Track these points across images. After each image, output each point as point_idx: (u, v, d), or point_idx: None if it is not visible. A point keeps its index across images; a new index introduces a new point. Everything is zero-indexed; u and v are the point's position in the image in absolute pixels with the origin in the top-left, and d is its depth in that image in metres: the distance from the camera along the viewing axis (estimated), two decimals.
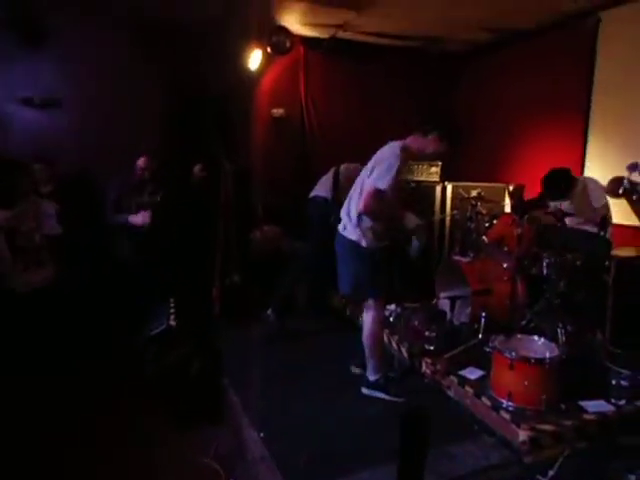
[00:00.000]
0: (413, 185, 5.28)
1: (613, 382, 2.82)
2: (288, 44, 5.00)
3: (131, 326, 3.30)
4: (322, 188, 4.29)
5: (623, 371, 2.99)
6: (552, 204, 3.94)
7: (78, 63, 4.42)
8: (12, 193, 3.28)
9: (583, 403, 2.76)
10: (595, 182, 3.87)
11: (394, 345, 3.80)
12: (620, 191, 3.71)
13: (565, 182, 3.79)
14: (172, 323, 3.05)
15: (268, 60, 5.16)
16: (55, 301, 3.23)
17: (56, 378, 3.18)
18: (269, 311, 4.04)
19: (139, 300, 3.38)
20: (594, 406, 2.74)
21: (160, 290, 3.41)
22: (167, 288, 3.43)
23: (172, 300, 3.21)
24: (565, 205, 3.79)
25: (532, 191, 4.35)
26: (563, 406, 2.72)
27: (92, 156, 4.22)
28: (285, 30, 4.97)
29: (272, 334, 3.96)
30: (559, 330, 3.36)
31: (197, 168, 3.69)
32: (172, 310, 3.13)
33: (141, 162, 4.15)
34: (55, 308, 3.22)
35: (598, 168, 4.40)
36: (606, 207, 3.76)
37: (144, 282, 3.49)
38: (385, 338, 3.93)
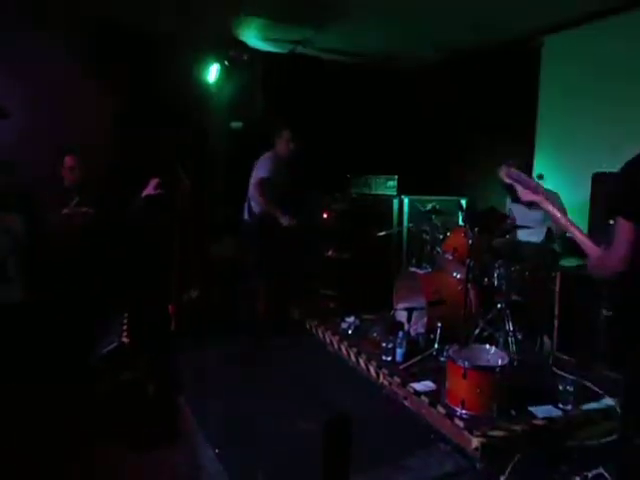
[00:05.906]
0: (371, 198, 5.39)
1: (560, 387, 2.93)
2: (246, 58, 5.03)
3: (81, 345, 3.17)
4: None
5: (569, 376, 3.12)
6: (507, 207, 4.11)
7: (27, 74, 4.27)
8: None
9: (533, 408, 2.86)
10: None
11: (352, 357, 3.82)
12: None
13: None
14: (124, 340, 2.97)
15: (226, 74, 5.17)
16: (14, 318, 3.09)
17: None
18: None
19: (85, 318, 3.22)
20: (543, 411, 2.84)
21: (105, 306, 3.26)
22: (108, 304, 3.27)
23: (125, 316, 3.11)
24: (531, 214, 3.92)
25: (483, 203, 4.51)
26: (514, 412, 2.80)
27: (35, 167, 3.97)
28: (243, 44, 5.00)
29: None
30: (509, 338, 3.48)
31: (154, 182, 3.58)
32: (124, 327, 3.04)
33: (69, 160, 3.57)
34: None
35: (547, 181, 4.62)
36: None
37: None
38: (344, 350, 3.97)
